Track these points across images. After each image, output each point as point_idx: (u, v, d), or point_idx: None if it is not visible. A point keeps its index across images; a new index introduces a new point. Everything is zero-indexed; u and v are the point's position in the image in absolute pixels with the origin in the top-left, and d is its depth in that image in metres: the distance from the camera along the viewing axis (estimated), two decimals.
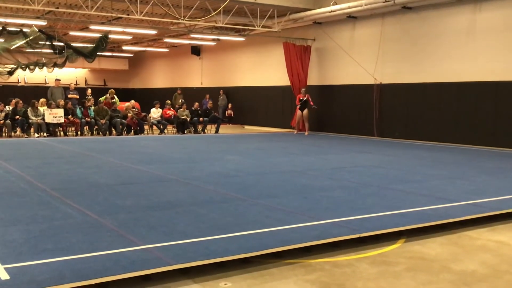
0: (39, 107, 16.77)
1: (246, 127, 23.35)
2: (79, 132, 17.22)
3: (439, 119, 15.39)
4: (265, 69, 22.52)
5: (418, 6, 15.64)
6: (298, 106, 18.47)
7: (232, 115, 24.13)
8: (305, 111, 18.46)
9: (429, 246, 4.95)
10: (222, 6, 13.09)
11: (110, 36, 18.87)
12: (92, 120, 17.33)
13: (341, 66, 18.75)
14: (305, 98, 18.17)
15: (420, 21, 15.87)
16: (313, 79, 19.92)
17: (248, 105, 23.57)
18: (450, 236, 5.33)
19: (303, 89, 18.47)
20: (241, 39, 21.83)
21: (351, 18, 17.84)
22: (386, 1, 15.45)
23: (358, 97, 18.06)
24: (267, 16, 18.80)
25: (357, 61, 17.71)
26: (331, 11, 17.35)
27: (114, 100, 19.18)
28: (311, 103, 18.18)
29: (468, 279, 4.11)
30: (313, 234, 4.92)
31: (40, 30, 16.47)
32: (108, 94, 19.10)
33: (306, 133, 18.57)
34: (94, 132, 17.56)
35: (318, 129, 19.78)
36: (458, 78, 14.84)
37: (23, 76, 28.87)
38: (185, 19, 16.31)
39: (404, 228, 5.30)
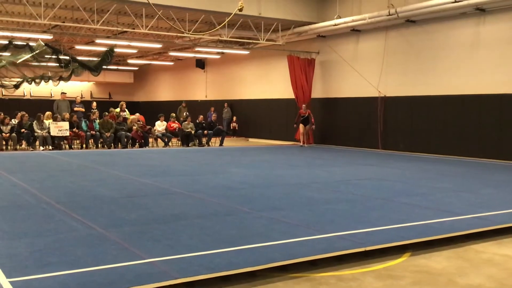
0: (44, 120, 16.86)
1: (250, 139, 23.37)
2: (84, 145, 17.28)
3: (444, 132, 15.37)
4: (270, 82, 22.60)
5: (422, 19, 15.71)
6: (300, 121, 18.68)
7: (237, 128, 24.16)
8: (308, 125, 18.73)
9: (435, 260, 4.92)
10: (226, 20, 13.17)
11: (116, 49, 18.99)
12: (97, 133, 17.40)
13: (345, 79, 18.80)
14: (306, 115, 18.41)
15: (424, 34, 15.92)
16: (317, 92, 19.97)
17: (253, 118, 23.61)
18: (456, 250, 5.30)
19: (304, 105, 18.60)
20: (246, 52, 21.94)
21: (355, 31, 17.92)
22: (389, 15, 15.55)
23: (362, 109, 18.07)
24: (271, 30, 18.92)
25: (361, 74, 17.75)
26: (335, 25, 17.45)
27: (125, 113, 19.30)
28: (313, 120, 18.59)
29: None
30: (319, 248, 4.90)
31: (46, 44, 16.59)
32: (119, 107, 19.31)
33: (306, 145, 18.78)
34: (99, 145, 17.61)
35: (322, 142, 19.78)
36: (463, 90, 14.84)
37: (29, 90, 29.07)
38: (190, 32, 16.43)
39: (409, 241, 5.27)
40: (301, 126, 18.73)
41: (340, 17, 17.32)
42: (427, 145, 15.83)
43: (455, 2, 13.83)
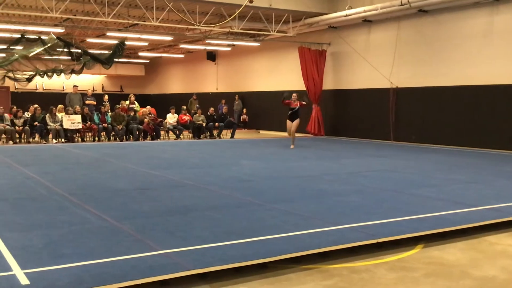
0: (57, 113, 16.97)
1: (261, 131, 23.36)
2: (96, 138, 17.39)
3: (456, 123, 15.23)
4: (280, 74, 22.53)
5: (434, 9, 15.53)
6: (288, 114, 14.87)
7: (247, 120, 24.15)
8: (296, 121, 14.75)
9: (448, 252, 4.90)
10: (237, 12, 13.13)
11: (127, 42, 19.01)
12: (109, 125, 17.50)
13: (357, 70, 18.68)
14: (296, 108, 14.65)
15: (436, 24, 15.75)
16: (329, 84, 19.87)
17: (264, 110, 23.57)
18: (470, 241, 5.26)
19: (295, 95, 14.81)
20: (256, 44, 21.87)
21: (367, 22, 17.78)
22: (401, 5, 15.38)
23: (374, 101, 17.96)
24: (282, 21, 18.81)
25: (372, 65, 17.62)
26: (347, 15, 17.30)
27: (134, 105, 19.38)
28: (303, 103, 14.82)
29: (489, 285, 4.05)
30: (330, 239, 4.89)
31: (58, 37, 16.68)
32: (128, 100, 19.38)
33: (292, 146, 14.81)
34: (111, 137, 17.71)
35: (334, 134, 19.70)
36: (476, 81, 14.67)
37: (41, 83, 29.26)
38: (201, 25, 16.40)
39: (422, 233, 5.25)
40: (288, 121, 14.88)
41: (351, 8, 17.17)
42: (439, 137, 15.70)
43: None
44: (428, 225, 5.52)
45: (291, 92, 15.17)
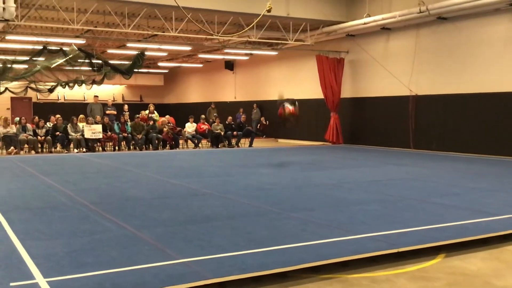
0: (78, 123, 17.22)
1: (280, 140, 23.35)
2: (116, 147, 17.58)
3: (478, 130, 15.03)
4: (298, 82, 22.53)
5: (454, 16, 15.39)
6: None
7: (267, 124, 23.38)
8: None
9: (470, 261, 4.82)
10: (255, 21, 13.21)
11: (146, 53, 19.28)
12: (129, 135, 17.69)
13: (375, 78, 18.59)
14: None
15: (456, 31, 15.61)
16: (347, 92, 19.81)
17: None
18: (492, 251, 5.18)
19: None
20: (274, 53, 21.94)
21: (385, 29, 17.70)
22: (420, 12, 15.30)
23: (393, 109, 17.84)
24: (300, 30, 18.86)
25: (391, 73, 17.52)
26: (365, 23, 17.27)
27: (153, 115, 19.58)
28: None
29: None
30: (350, 249, 4.86)
31: (79, 49, 16.99)
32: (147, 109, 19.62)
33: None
34: (131, 147, 17.90)
35: (352, 142, 19.60)
36: (497, 88, 14.48)
37: (62, 93, 29.73)
38: (219, 34, 16.53)
39: (443, 242, 5.17)
40: None
41: (369, 16, 17.14)
42: (460, 144, 15.50)
43: None
44: (449, 234, 5.45)
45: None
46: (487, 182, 9.54)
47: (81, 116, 17.92)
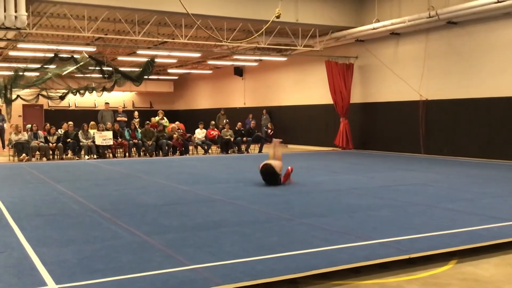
0: (89, 130, 17.33)
1: (289, 146, 23.33)
2: (127, 154, 17.67)
3: (489, 135, 14.92)
4: (308, 88, 22.54)
5: (464, 21, 15.32)
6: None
7: (272, 132, 23.43)
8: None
9: (482, 267, 4.78)
10: (264, 28, 13.26)
11: (156, 60, 19.40)
12: (139, 141, 17.77)
13: (385, 83, 18.54)
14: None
15: (466, 36, 15.54)
16: (356, 97, 19.77)
17: (291, 124, 23.58)
18: (505, 257, 5.13)
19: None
20: (283, 59, 21.98)
21: (394, 34, 17.67)
22: (430, 17, 15.26)
23: (403, 113, 17.77)
24: (308, 36, 18.88)
25: (401, 78, 17.47)
26: (374, 29, 17.26)
27: (163, 121, 19.67)
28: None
29: None
30: (361, 255, 4.84)
31: (90, 56, 17.14)
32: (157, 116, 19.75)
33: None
34: (141, 153, 17.97)
35: (362, 147, 19.54)
36: (508, 92, 14.37)
37: (73, 100, 29.99)
38: (228, 41, 16.60)
39: (456, 248, 5.14)
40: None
41: (378, 21, 17.12)
42: (471, 149, 15.38)
43: (498, 2, 13.44)
44: (461, 240, 5.41)
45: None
46: (498, 187, 9.46)
47: (92, 123, 18.05)
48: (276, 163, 9.79)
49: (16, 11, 12.72)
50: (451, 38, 16.04)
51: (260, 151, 19.50)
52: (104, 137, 17.00)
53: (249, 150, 19.56)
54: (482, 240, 5.39)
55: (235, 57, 21.68)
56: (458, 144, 15.86)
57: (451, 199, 8.11)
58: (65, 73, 17.29)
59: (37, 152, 16.69)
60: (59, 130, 17.38)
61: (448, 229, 5.90)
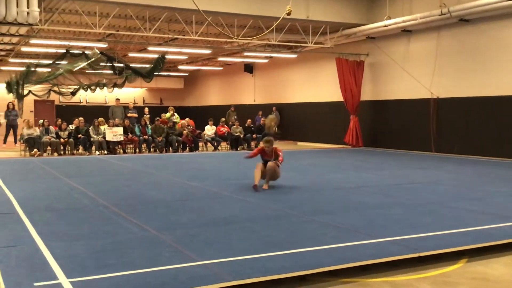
0: (100, 126, 17.43)
1: (299, 143, 23.31)
2: (137, 150, 17.76)
3: (501, 133, 14.79)
4: (318, 85, 22.48)
5: (476, 18, 15.18)
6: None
7: (275, 130, 23.13)
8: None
9: (492, 267, 4.76)
10: (275, 25, 13.22)
11: (167, 56, 19.45)
12: (150, 137, 17.85)
13: (396, 80, 18.44)
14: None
15: (478, 34, 15.40)
16: (367, 94, 19.69)
17: (301, 121, 23.54)
18: None
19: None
20: (294, 55, 21.94)
21: (406, 32, 17.55)
22: (442, 14, 15.14)
23: (414, 111, 17.67)
24: (319, 32, 18.82)
25: (412, 75, 17.36)
26: (385, 26, 17.16)
27: (174, 117, 19.75)
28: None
29: None
30: (370, 253, 4.83)
31: (101, 52, 17.23)
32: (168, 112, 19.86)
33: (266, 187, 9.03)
34: (151, 149, 18.05)
35: (372, 145, 19.47)
36: None
37: (84, 96, 30.15)
38: (239, 38, 16.60)
39: (466, 247, 5.12)
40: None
41: (390, 18, 17.02)
42: (483, 148, 15.27)
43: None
44: (471, 239, 5.38)
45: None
46: (510, 186, 9.39)
47: (101, 119, 18.04)
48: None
49: (28, 7, 12.81)
50: (463, 35, 15.91)
51: None
52: (114, 133, 17.08)
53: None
54: (493, 239, 5.36)
55: (245, 53, 21.68)
56: (470, 143, 15.74)
57: (462, 197, 8.07)
58: (76, 69, 17.39)
59: (49, 147, 16.82)
60: (70, 126, 17.50)
61: (458, 227, 5.88)
